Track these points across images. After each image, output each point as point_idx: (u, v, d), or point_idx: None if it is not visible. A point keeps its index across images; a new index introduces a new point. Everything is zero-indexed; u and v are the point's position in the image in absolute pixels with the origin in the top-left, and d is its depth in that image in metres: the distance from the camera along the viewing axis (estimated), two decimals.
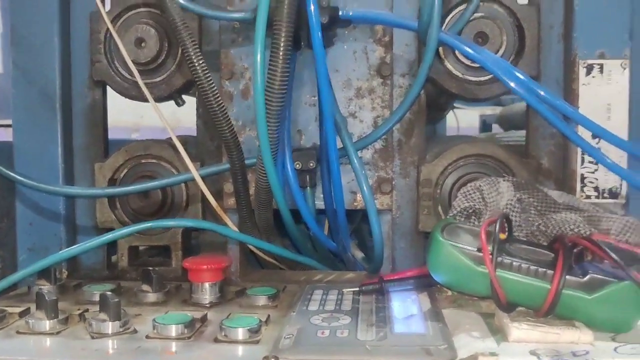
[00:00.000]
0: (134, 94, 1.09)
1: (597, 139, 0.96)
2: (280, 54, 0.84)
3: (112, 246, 1.12)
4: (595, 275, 0.73)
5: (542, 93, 0.88)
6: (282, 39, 0.84)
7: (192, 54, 0.90)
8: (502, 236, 0.80)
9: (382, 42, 1.02)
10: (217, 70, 1.04)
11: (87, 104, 1.13)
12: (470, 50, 0.90)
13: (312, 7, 0.86)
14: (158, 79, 1.09)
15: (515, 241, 0.81)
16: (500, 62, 0.90)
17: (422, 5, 0.89)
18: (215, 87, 0.90)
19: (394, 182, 1.05)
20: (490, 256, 0.74)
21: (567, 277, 0.73)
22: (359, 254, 1.36)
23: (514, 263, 0.75)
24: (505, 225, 0.80)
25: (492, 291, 0.75)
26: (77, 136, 1.13)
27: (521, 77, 0.89)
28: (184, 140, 1.14)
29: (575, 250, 0.77)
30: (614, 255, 0.72)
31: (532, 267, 0.75)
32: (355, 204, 1.04)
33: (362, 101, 1.02)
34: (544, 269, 0.74)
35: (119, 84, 1.10)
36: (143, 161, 1.12)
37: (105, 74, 1.10)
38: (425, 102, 1.06)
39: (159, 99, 1.10)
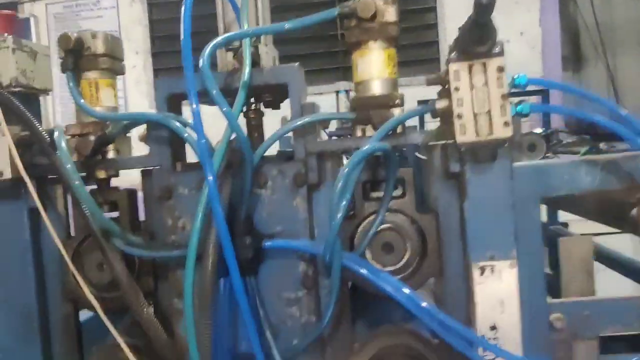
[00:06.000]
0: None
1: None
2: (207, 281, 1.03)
3: None
4: None
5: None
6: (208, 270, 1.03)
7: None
8: None
9: (304, 257, 1.18)
10: None
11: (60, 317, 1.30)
12: (367, 274, 1.07)
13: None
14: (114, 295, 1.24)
15: None
16: (392, 281, 1.07)
17: (327, 244, 1.07)
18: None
19: None
20: None
21: None
22: None
23: None
24: None
25: None
26: (55, 344, 1.31)
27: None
28: None
29: None
30: None
31: None
32: None
33: (290, 309, 1.18)
34: None
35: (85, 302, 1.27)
36: None
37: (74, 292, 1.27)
38: (349, 300, 1.20)
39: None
